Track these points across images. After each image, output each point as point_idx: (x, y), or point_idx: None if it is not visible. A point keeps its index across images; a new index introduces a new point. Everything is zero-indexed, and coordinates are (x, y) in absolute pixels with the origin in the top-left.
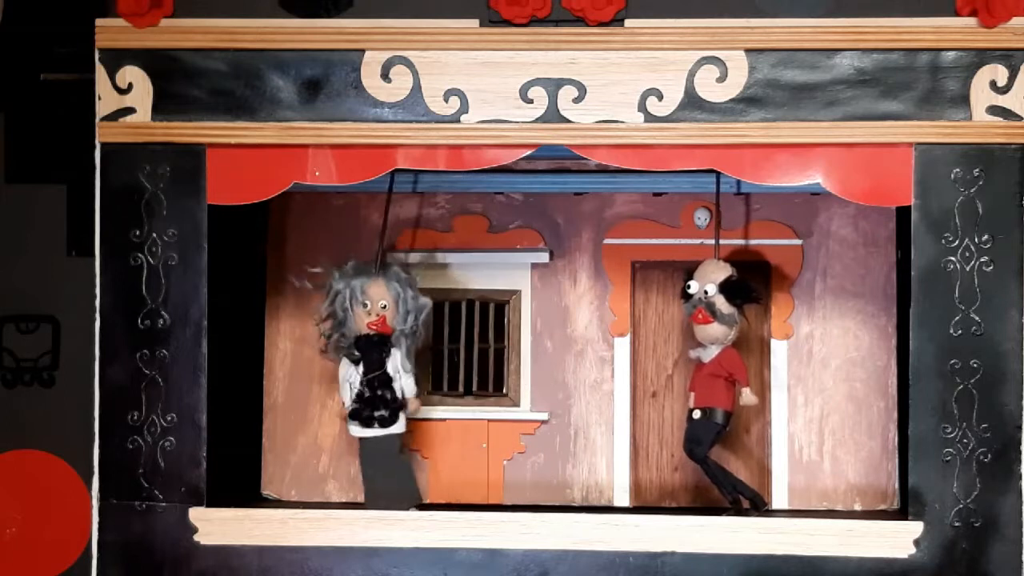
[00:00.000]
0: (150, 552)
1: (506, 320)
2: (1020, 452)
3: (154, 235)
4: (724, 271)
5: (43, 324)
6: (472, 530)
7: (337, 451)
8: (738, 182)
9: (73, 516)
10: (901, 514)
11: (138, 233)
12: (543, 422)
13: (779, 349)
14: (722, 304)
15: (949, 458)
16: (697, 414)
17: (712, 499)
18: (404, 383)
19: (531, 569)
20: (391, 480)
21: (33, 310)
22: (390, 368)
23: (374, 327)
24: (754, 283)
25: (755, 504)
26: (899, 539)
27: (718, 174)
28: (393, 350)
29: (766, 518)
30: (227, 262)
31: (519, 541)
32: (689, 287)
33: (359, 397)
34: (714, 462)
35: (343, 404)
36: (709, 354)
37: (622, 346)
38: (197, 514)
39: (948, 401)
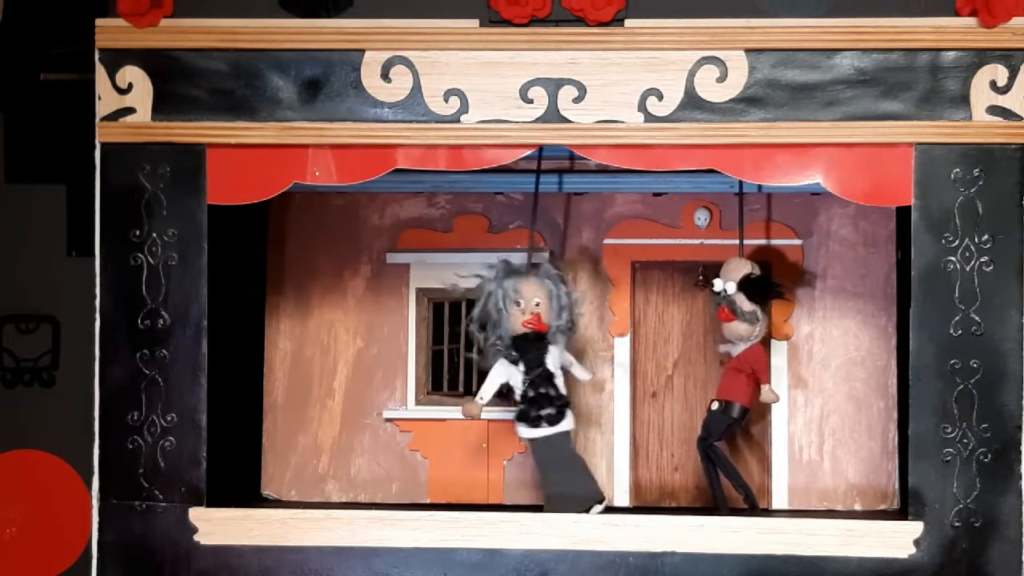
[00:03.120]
0: (150, 552)
1: None
2: (1020, 452)
3: (154, 235)
4: (744, 269)
5: (43, 324)
6: (472, 530)
7: (337, 451)
8: (740, 183)
9: (73, 516)
10: (901, 514)
11: (138, 233)
12: None
13: (779, 349)
14: (742, 302)
15: (949, 458)
16: (715, 405)
17: (712, 501)
18: (577, 373)
19: (531, 569)
20: (570, 480)
21: (33, 310)
22: (550, 365)
23: (529, 325)
24: (772, 279)
25: (751, 503)
26: (899, 539)
27: (740, 183)
28: (551, 347)
29: (766, 518)
30: (227, 262)
31: (519, 541)
32: (714, 285)
33: (524, 398)
34: (724, 455)
35: (479, 398)
36: (737, 350)
37: (622, 346)
38: (197, 514)
39: (948, 401)
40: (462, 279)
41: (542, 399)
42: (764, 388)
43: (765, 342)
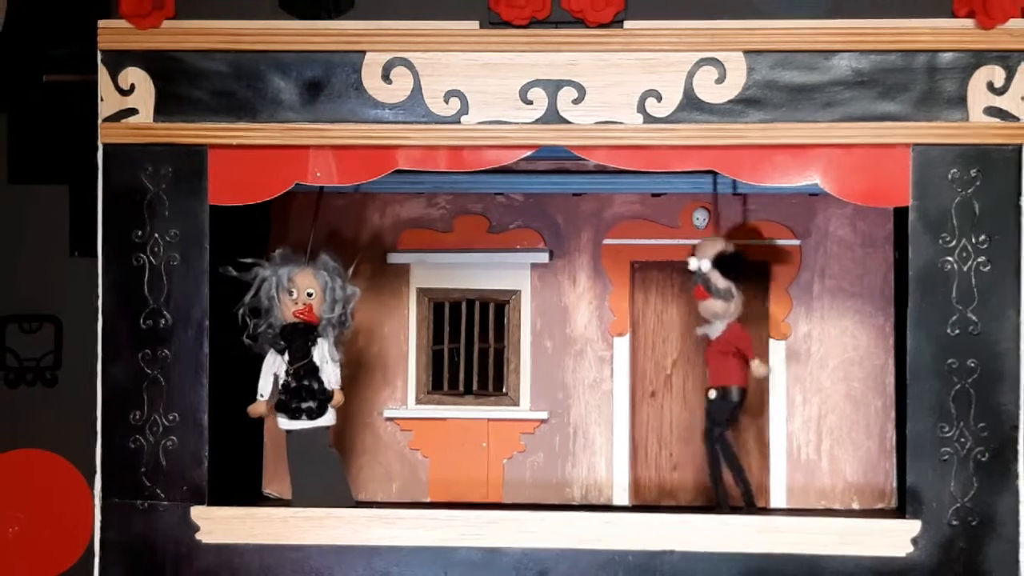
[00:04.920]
0: (152, 551)
1: (506, 320)
2: (1017, 451)
3: (156, 235)
4: (717, 246)
5: (46, 324)
6: (472, 529)
7: (337, 451)
8: (733, 182)
9: (75, 515)
10: (899, 513)
11: (140, 233)
12: (543, 421)
13: (777, 349)
14: (717, 279)
15: (947, 457)
16: (713, 394)
17: (711, 497)
18: (330, 373)
19: (531, 568)
20: (320, 477)
21: (36, 310)
22: (316, 358)
23: (300, 316)
24: (746, 256)
25: (747, 500)
26: (897, 538)
27: (714, 176)
28: (320, 339)
29: (765, 517)
30: (229, 262)
31: (518, 540)
32: (689, 263)
33: (285, 388)
34: (732, 447)
35: (259, 395)
36: (715, 330)
37: (621, 346)
38: (199, 513)
39: (946, 400)
40: (235, 269)
41: (303, 391)
42: (754, 364)
43: (744, 320)
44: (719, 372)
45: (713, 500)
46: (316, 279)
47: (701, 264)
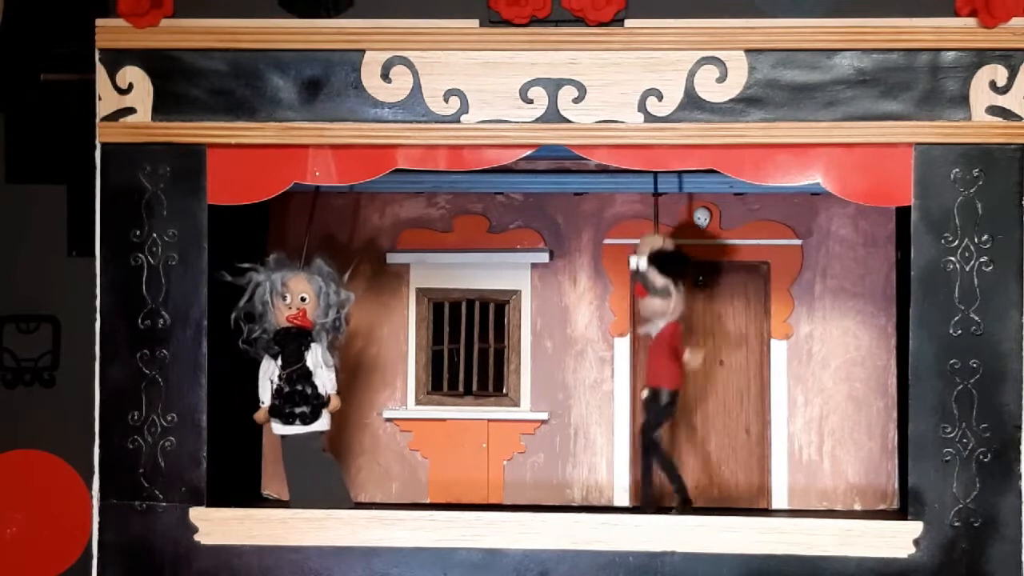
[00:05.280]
0: (150, 552)
1: (506, 320)
2: (1020, 452)
3: (154, 235)
4: (654, 243)
5: (43, 324)
6: (472, 530)
7: (337, 451)
8: (679, 182)
9: (73, 516)
10: (901, 514)
11: (138, 233)
12: (543, 422)
13: (779, 349)
14: (654, 276)
15: (949, 458)
16: (645, 393)
17: (712, 498)
18: (324, 378)
19: (531, 569)
20: (318, 482)
21: (33, 310)
22: (310, 362)
23: (293, 320)
24: (684, 253)
25: (682, 503)
26: (899, 539)
27: (655, 175)
28: (313, 344)
29: (767, 518)
30: (228, 262)
31: (519, 541)
32: (629, 262)
33: (278, 392)
34: (663, 450)
35: (261, 403)
36: (656, 329)
37: (622, 346)
38: (197, 514)
39: (948, 401)
40: (230, 274)
41: (296, 396)
42: (686, 355)
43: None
44: (652, 372)
45: (641, 499)
46: (310, 284)
47: (639, 263)
